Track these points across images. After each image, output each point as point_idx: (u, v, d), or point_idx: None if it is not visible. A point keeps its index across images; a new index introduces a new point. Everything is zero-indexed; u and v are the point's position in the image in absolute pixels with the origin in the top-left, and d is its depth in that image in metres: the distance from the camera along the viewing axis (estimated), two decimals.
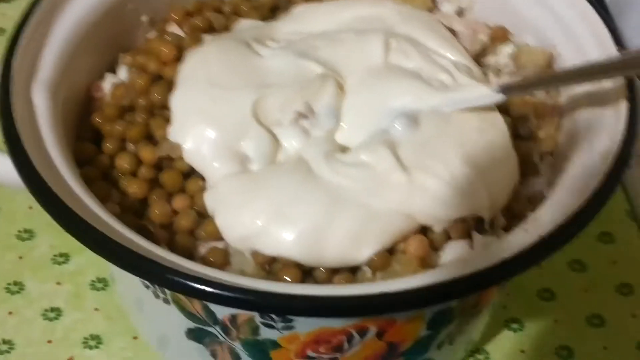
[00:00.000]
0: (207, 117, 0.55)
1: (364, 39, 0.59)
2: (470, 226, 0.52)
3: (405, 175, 0.51)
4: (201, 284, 0.44)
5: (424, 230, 0.52)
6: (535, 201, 0.54)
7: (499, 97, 0.55)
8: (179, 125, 0.55)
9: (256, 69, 0.57)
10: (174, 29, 0.63)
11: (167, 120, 0.56)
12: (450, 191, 0.51)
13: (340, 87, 0.57)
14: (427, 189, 0.51)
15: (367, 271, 0.50)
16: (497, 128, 0.55)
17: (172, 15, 0.64)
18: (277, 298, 0.44)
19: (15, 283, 0.69)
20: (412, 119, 0.55)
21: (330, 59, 0.58)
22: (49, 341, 0.66)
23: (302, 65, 0.57)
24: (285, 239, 0.50)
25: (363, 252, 0.50)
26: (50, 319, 0.67)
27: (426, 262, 0.50)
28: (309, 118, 0.55)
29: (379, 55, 0.58)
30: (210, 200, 0.53)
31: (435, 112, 0.55)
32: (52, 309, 0.68)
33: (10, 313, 0.67)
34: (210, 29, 0.63)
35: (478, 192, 0.52)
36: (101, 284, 0.69)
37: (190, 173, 0.55)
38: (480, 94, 0.55)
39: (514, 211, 0.54)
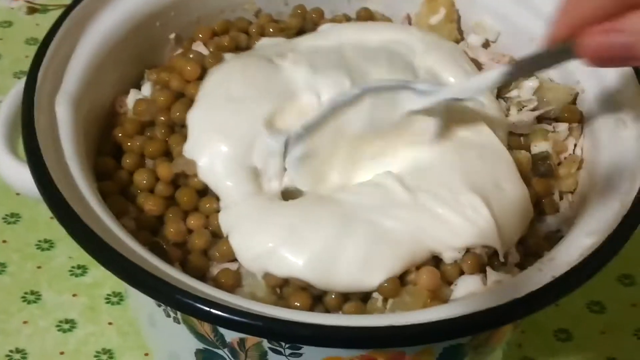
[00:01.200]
0: (221, 132, 0.55)
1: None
2: (483, 261, 0.51)
3: (410, 195, 0.52)
4: (209, 307, 0.44)
5: (436, 262, 0.51)
6: (552, 240, 0.53)
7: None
8: (193, 141, 0.55)
9: (276, 80, 0.57)
10: (199, 47, 0.63)
11: (185, 137, 0.56)
12: (455, 216, 0.51)
13: None
14: (433, 211, 0.51)
15: (378, 299, 0.50)
16: (500, 157, 0.56)
17: (199, 34, 0.64)
18: (282, 325, 0.43)
19: (32, 292, 0.70)
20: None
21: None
22: (61, 352, 0.66)
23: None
24: (297, 261, 0.49)
25: (374, 277, 0.50)
26: (64, 331, 0.67)
27: (437, 295, 0.50)
28: None
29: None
30: (225, 221, 0.53)
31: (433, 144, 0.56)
32: (67, 321, 0.68)
33: (25, 322, 0.68)
34: (236, 49, 0.63)
35: (486, 220, 0.51)
36: (117, 298, 0.70)
37: (206, 192, 0.55)
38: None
39: (530, 248, 0.54)
